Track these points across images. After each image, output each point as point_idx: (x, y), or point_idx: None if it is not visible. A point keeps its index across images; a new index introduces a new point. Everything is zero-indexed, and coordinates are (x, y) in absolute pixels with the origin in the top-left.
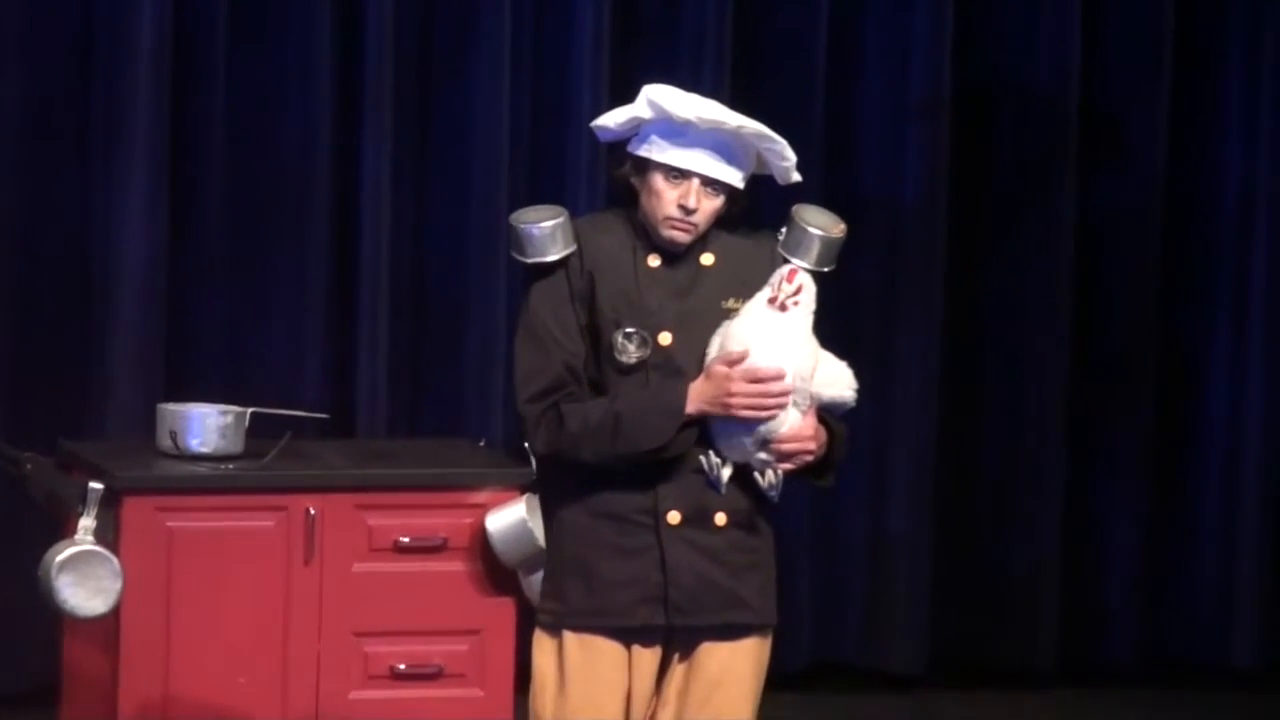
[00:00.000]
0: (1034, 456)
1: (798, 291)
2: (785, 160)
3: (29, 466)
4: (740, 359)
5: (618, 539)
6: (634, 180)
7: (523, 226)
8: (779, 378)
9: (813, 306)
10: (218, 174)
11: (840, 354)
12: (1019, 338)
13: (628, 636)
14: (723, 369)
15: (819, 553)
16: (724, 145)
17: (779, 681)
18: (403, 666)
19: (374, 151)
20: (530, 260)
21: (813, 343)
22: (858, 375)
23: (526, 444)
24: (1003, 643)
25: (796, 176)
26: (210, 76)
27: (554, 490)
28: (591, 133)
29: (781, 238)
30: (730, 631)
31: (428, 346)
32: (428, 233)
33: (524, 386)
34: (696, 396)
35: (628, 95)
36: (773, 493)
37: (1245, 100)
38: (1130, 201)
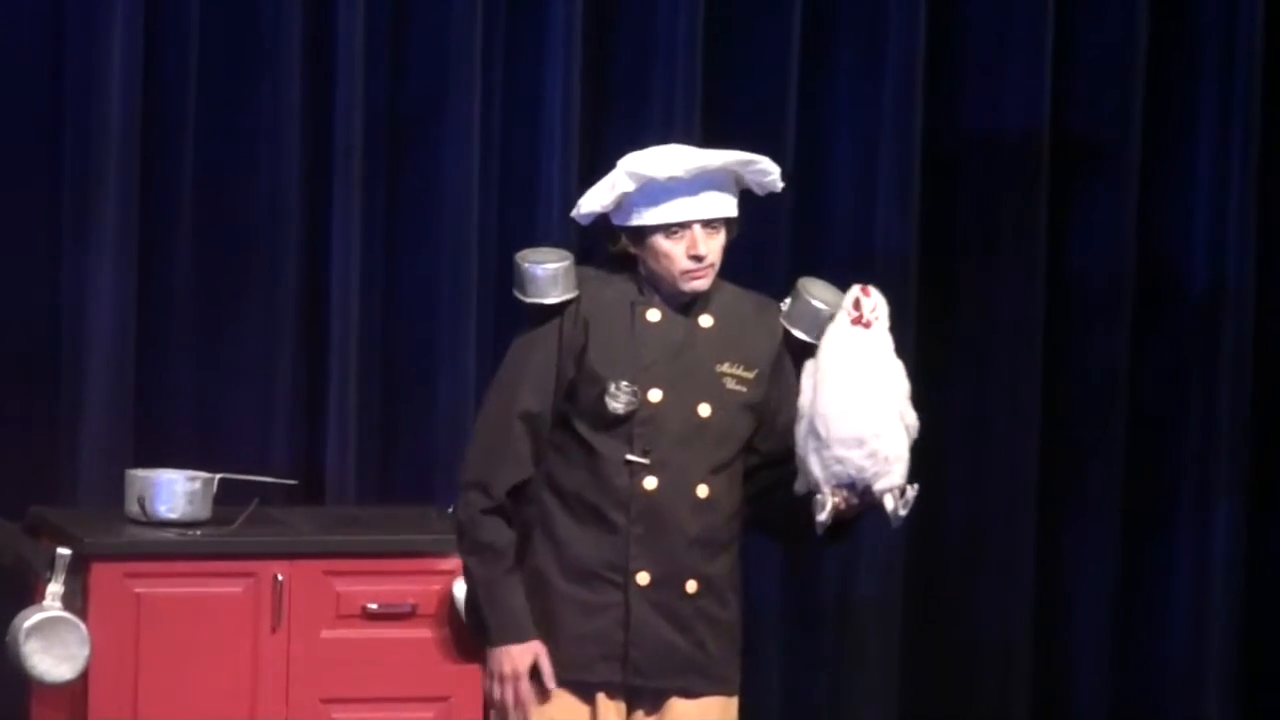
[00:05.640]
0: (1004, 518)
1: (874, 309)
2: (769, 175)
3: None
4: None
5: (584, 594)
6: (633, 249)
7: (527, 266)
8: None
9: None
10: (186, 237)
11: None
12: (989, 399)
13: (588, 691)
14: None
15: (788, 616)
16: (708, 182)
17: None
18: None
19: (343, 216)
20: (530, 300)
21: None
22: None
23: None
24: (974, 705)
25: (780, 184)
26: (179, 138)
27: (528, 538)
28: (564, 188)
29: (785, 308)
30: (694, 691)
31: (398, 412)
32: (398, 297)
33: (474, 465)
34: (497, 656)
35: (597, 153)
36: (822, 516)
37: (1216, 150)
38: (1102, 255)
